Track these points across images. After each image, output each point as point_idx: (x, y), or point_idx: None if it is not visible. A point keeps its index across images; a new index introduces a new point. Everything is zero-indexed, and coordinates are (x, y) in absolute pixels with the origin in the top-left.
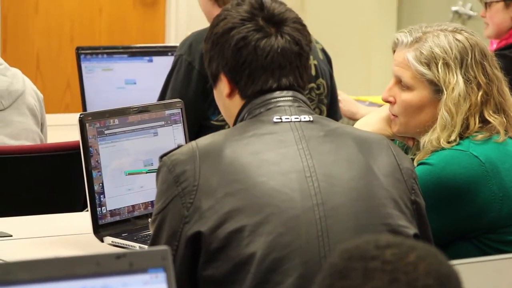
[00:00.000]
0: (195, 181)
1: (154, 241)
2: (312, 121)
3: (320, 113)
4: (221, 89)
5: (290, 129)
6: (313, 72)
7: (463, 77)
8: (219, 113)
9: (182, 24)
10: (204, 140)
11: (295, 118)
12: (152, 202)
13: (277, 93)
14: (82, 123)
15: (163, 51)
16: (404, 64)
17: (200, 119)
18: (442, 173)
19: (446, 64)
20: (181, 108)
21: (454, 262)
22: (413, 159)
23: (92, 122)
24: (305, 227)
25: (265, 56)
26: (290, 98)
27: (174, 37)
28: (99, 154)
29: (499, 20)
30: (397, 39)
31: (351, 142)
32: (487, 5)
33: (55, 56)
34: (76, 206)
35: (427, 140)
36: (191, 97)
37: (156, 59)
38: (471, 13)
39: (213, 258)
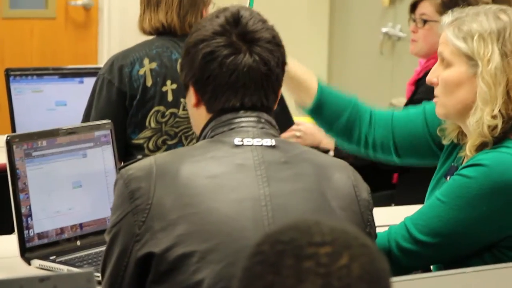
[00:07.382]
0: (148, 200)
1: (107, 254)
2: (274, 146)
3: None
4: (190, 97)
5: (250, 152)
6: None
7: (499, 50)
8: (139, 131)
9: (115, 45)
10: (164, 158)
11: (257, 141)
12: (80, 224)
13: (241, 113)
14: (9, 144)
15: (94, 72)
16: (444, 41)
17: (126, 137)
18: (502, 178)
19: (482, 37)
20: (110, 129)
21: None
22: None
23: (20, 143)
24: None
25: (229, 74)
26: (254, 119)
27: (107, 58)
28: (26, 176)
29: (433, 40)
30: (443, 21)
31: (311, 171)
32: (423, 22)
33: None
34: (4, 228)
35: (473, 121)
36: (115, 114)
37: (87, 80)
38: (400, 34)
39: (160, 279)
